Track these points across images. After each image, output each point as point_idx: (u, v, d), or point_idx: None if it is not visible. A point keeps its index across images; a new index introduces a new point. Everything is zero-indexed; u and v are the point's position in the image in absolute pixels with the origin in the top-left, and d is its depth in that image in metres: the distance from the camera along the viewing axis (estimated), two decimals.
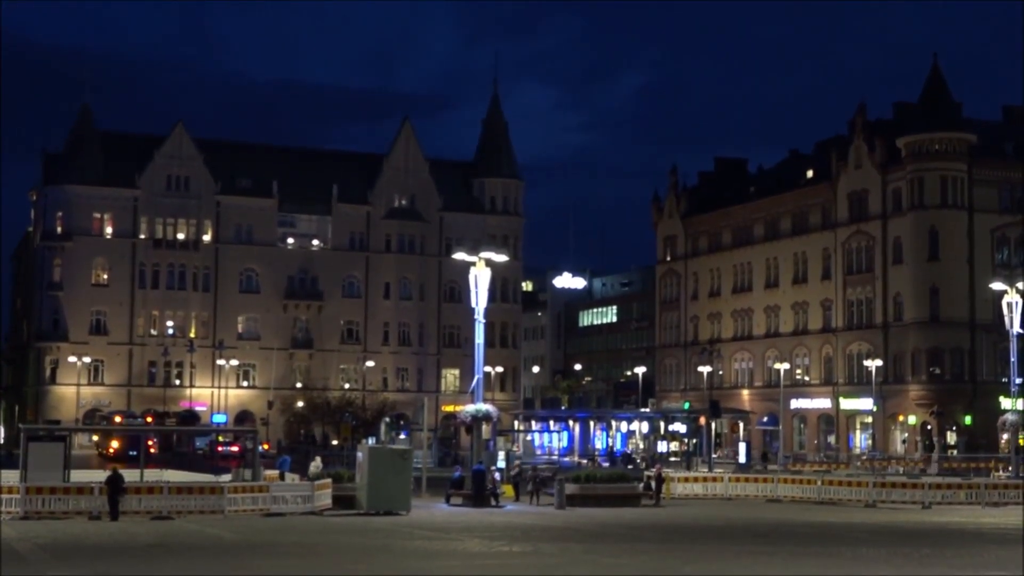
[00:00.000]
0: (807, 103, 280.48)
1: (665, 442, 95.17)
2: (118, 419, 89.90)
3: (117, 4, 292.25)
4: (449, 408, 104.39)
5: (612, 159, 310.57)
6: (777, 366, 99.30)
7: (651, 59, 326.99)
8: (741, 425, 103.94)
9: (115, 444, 74.29)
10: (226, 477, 42.63)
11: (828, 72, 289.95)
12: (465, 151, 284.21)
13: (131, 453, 63.60)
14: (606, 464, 76.56)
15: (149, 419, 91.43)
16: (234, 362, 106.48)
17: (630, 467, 68.44)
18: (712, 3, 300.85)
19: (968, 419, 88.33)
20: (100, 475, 38.31)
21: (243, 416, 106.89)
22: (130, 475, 37.69)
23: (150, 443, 63.62)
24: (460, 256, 50.04)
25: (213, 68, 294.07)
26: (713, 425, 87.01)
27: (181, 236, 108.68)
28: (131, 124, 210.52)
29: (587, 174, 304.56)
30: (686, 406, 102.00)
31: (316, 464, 47.79)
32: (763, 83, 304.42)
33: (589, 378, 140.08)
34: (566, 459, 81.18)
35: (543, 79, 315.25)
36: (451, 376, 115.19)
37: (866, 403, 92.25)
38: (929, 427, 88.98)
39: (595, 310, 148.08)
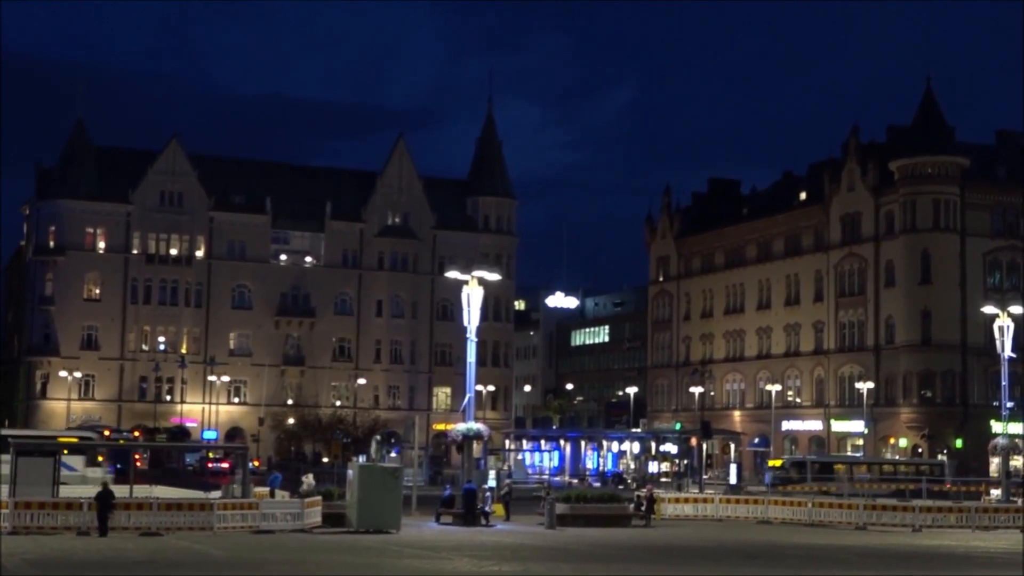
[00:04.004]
0: (800, 124, 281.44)
1: (656, 462, 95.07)
2: (107, 434, 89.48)
3: (108, 18, 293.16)
4: (440, 426, 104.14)
5: (603, 177, 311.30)
6: (769, 387, 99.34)
7: (640, 77, 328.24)
8: (732, 446, 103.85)
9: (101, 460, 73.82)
10: (216, 494, 42.48)
11: (821, 93, 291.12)
12: (453, 165, 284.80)
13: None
14: (597, 484, 76.45)
15: (136, 433, 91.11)
16: (225, 378, 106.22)
17: (621, 487, 68.34)
18: (702, 21, 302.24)
19: (959, 442, 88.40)
20: (89, 491, 38.19)
21: (234, 433, 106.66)
22: (119, 491, 37.54)
23: (136, 457, 63.32)
24: (453, 274, 49.95)
25: (201, 82, 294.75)
26: (704, 446, 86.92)
27: (174, 251, 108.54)
28: (122, 138, 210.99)
29: (578, 192, 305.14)
30: (677, 427, 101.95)
31: (308, 481, 47.69)
32: (755, 103, 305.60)
33: (581, 398, 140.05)
34: (557, 479, 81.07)
35: (531, 95, 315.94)
36: (442, 394, 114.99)
37: (857, 425, 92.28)
38: (920, 450, 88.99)
39: (587, 330, 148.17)
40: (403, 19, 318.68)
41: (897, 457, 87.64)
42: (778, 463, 76.82)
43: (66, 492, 38.52)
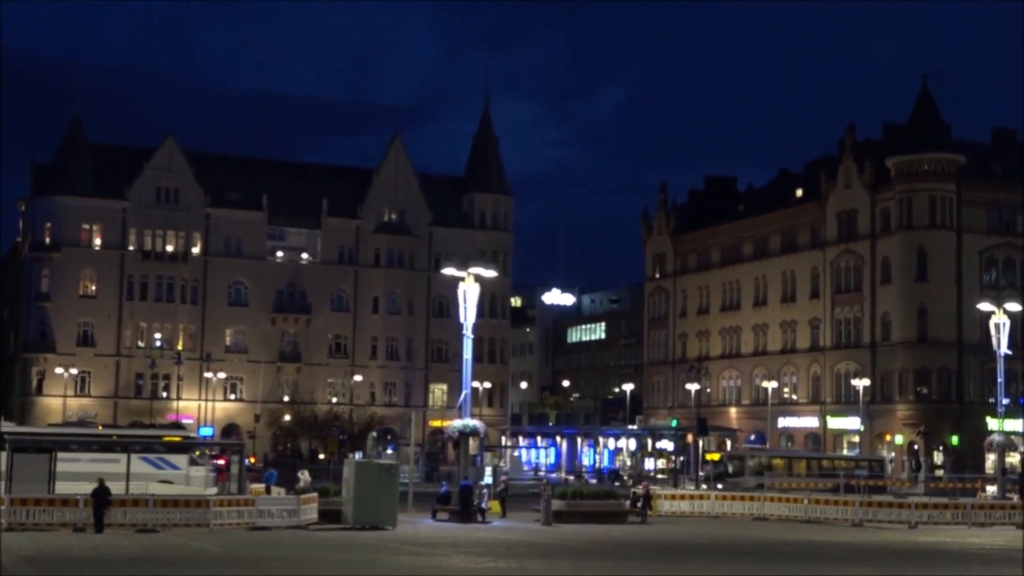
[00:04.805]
0: (797, 122, 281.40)
1: (652, 459, 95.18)
2: (100, 428, 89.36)
3: (104, 16, 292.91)
4: (436, 423, 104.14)
5: (599, 175, 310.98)
6: (765, 384, 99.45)
7: (636, 74, 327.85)
8: (728, 443, 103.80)
9: None
10: (212, 490, 42.49)
11: (818, 91, 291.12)
12: (449, 162, 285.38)
13: None
14: (593, 481, 76.45)
15: None
16: (221, 375, 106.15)
17: (617, 484, 68.36)
18: (699, 19, 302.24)
19: (955, 439, 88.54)
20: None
21: (230, 429, 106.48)
22: (115, 487, 37.52)
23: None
24: (449, 271, 49.99)
25: (197, 79, 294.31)
26: (700, 443, 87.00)
27: (170, 248, 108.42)
28: (118, 135, 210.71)
29: (574, 189, 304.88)
30: (673, 423, 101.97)
31: (304, 478, 47.72)
32: (752, 100, 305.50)
33: (577, 395, 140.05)
34: (553, 475, 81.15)
35: (528, 93, 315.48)
36: (439, 391, 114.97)
37: (853, 422, 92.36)
38: (916, 447, 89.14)
39: (583, 327, 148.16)
40: (399, 16, 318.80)
41: (837, 452, 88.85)
42: (716, 457, 77.13)
43: (173, 491, 38.53)
